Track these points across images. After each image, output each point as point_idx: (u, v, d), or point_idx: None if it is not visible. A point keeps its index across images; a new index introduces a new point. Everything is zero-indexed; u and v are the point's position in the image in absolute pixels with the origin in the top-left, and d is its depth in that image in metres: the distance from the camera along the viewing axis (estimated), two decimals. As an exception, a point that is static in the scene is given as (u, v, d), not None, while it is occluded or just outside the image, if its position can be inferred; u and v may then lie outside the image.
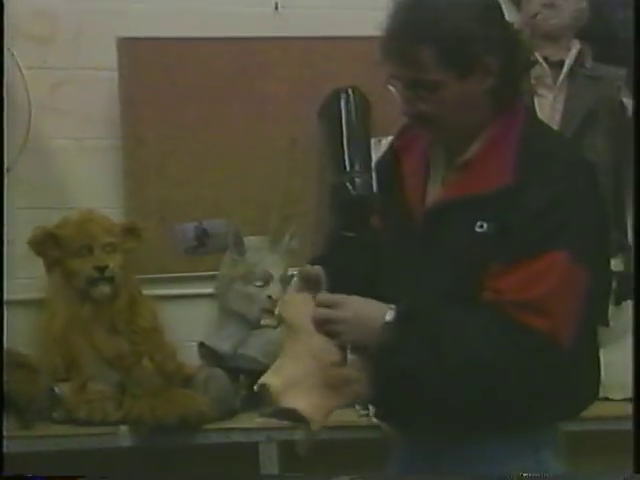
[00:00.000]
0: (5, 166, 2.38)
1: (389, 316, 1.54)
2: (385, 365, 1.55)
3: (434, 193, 1.66)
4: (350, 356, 1.62)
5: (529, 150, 1.57)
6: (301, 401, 1.57)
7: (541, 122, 1.76)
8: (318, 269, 1.67)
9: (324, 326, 1.57)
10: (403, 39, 1.53)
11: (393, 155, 1.77)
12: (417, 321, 1.54)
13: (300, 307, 1.64)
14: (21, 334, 2.64)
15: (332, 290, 1.67)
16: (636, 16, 2.30)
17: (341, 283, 1.69)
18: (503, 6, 2.73)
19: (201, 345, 2.70)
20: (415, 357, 1.52)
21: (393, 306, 1.55)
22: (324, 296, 1.62)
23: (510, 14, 2.78)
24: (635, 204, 2.02)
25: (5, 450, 2.27)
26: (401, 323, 1.54)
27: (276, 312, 1.72)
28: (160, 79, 2.83)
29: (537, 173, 1.54)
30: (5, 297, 2.55)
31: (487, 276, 1.54)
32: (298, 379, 1.59)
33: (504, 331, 1.50)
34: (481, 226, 1.55)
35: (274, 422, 2.27)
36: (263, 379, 1.61)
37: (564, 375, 1.55)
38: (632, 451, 1.79)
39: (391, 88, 1.61)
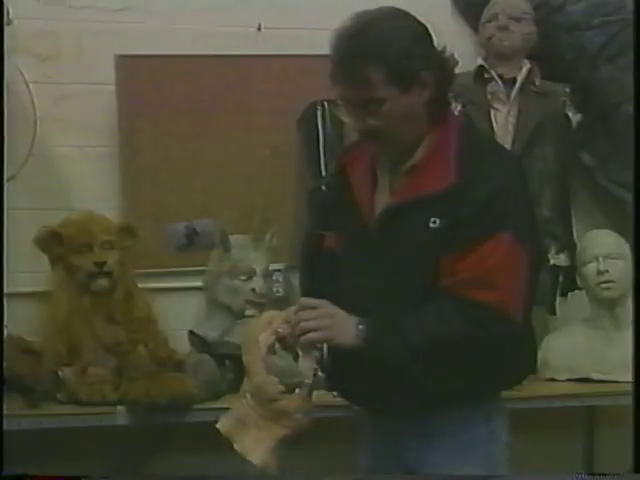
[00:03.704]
0: (5, 170, 2.42)
1: (361, 324, 1.63)
2: (361, 361, 1.63)
3: (384, 199, 1.74)
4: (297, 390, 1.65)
5: (467, 154, 1.67)
6: (242, 439, 1.65)
7: (474, 129, 1.84)
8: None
9: (310, 323, 1.63)
10: (352, 63, 1.62)
11: (340, 171, 1.84)
12: (383, 323, 1.63)
13: (251, 342, 1.68)
14: (27, 323, 2.70)
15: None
16: (636, 16, 2.32)
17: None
18: (461, 29, 2.98)
19: (191, 333, 2.75)
20: (386, 349, 1.61)
21: (360, 319, 1.63)
22: (306, 300, 1.68)
23: (468, 36, 2.97)
24: (635, 204, 2.05)
25: (14, 427, 2.28)
26: (371, 324, 1.63)
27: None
28: (154, 93, 2.89)
29: (477, 172, 1.64)
30: (15, 290, 2.62)
31: (444, 266, 1.63)
32: (242, 418, 1.67)
33: (458, 310, 1.60)
34: (434, 222, 1.64)
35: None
36: (218, 425, 1.69)
37: (513, 345, 1.65)
38: (632, 451, 1.84)
39: (341, 109, 1.71)
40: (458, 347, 1.61)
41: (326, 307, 1.66)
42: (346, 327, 1.64)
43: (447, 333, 1.61)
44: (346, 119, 1.76)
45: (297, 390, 1.66)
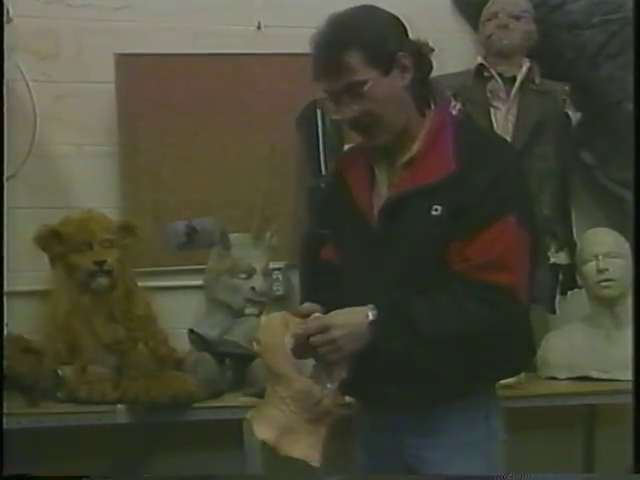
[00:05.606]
0: (5, 169, 2.41)
1: (372, 316, 1.64)
2: (377, 356, 1.63)
3: (382, 195, 1.76)
4: (330, 387, 1.66)
5: (464, 144, 1.70)
6: (296, 446, 1.64)
7: (468, 121, 1.87)
8: (310, 307, 1.72)
9: (322, 349, 1.64)
10: (331, 50, 1.66)
11: (338, 175, 1.88)
12: (395, 311, 1.64)
13: (276, 349, 1.66)
14: (27, 322, 2.71)
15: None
16: (636, 14, 2.31)
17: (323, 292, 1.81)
18: (461, 28, 2.99)
19: (191, 332, 2.74)
20: (400, 341, 1.62)
21: (371, 306, 1.64)
22: (312, 325, 1.66)
23: (468, 35, 2.99)
24: (635, 202, 2.05)
25: (14, 426, 2.28)
26: (383, 317, 1.64)
27: (255, 341, 1.74)
28: (154, 91, 2.91)
29: (476, 159, 1.67)
30: (15, 289, 2.64)
31: (452, 253, 1.65)
32: (288, 425, 1.64)
33: (471, 293, 1.61)
34: (436, 210, 1.66)
35: (256, 400, 2.31)
36: (259, 435, 1.64)
37: (521, 328, 1.69)
38: (632, 450, 1.84)
39: (326, 104, 1.72)
40: (471, 331, 1.62)
41: (335, 329, 1.64)
42: (360, 333, 1.64)
43: (461, 317, 1.62)
44: (335, 115, 1.74)
45: (329, 385, 1.66)
